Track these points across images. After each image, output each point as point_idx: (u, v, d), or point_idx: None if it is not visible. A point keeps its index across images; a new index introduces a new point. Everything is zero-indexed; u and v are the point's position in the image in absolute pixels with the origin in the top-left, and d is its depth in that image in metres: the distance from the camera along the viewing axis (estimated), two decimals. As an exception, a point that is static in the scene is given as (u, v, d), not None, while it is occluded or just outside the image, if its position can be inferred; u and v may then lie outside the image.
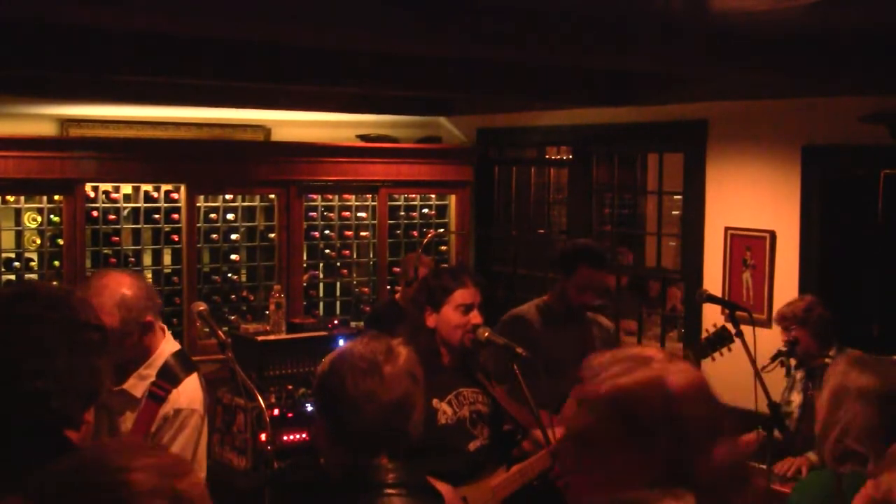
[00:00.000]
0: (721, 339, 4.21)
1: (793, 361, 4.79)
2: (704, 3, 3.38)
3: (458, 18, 3.37)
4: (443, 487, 2.43)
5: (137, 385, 3.09)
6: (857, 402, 2.55)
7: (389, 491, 2.14)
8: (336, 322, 6.31)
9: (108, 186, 6.44)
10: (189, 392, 3.10)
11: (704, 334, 4.32)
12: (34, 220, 6.27)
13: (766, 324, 5.10)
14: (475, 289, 3.50)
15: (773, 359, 4.62)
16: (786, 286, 5.42)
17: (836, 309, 4.67)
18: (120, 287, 3.01)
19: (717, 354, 4.23)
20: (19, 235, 6.24)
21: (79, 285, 4.63)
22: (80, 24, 3.77)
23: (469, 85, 5.33)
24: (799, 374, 4.76)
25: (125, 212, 6.53)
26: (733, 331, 4.16)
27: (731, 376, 4.42)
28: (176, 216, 6.62)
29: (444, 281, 3.51)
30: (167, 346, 3.16)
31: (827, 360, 4.59)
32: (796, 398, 4.72)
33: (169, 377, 3.09)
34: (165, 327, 3.23)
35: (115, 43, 4.12)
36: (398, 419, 2.21)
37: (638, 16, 3.61)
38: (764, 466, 4.14)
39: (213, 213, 6.83)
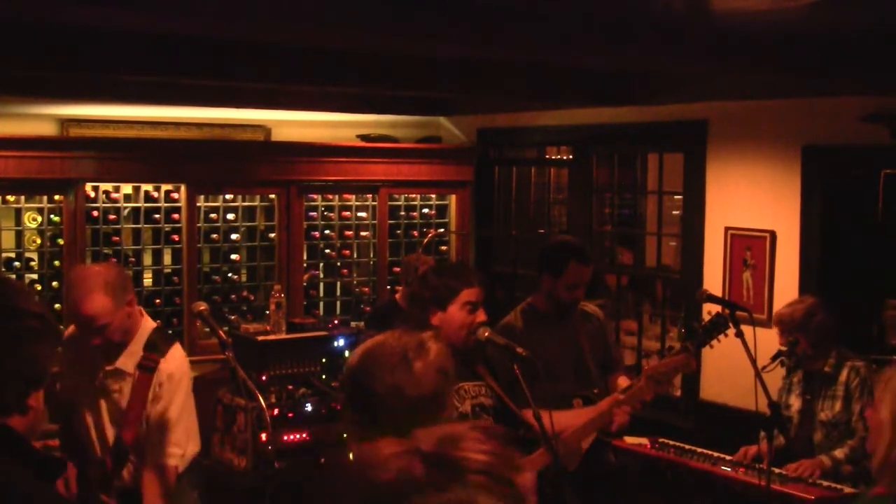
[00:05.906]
0: (716, 327, 4.19)
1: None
2: (705, 3, 3.37)
3: (457, 18, 3.36)
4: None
5: (128, 361, 3.54)
6: None
7: None
8: (336, 322, 6.30)
9: (108, 186, 6.44)
10: (177, 359, 3.59)
11: (701, 322, 4.32)
12: (34, 219, 6.27)
13: (766, 324, 5.09)
14: (479, 287, 3.51)
15: (774, 359, 4.61)
16: (786, 286, 5.42)
17: (836, 309, 4.66)
18: (100, 273, 3.45)
19: (714, 342, 4.22)
20: (19, 235, 6.24)
21: (63, 283, 5.23)
22: (80, 24, 3.77)
23: (469, 85, 5.33)
24: (796, 378, 4.72)
25: (125, 212, 6.52)
26: (729, 318, 4.13)
27: (731, 376, 4.44)
28: (176, 216, 6.62)
29: (450, 280, 3.50)
30: (147, 323, 3.64)
31: (827, 368, 4.58)
32: (795, 402, 4.69)
33: (155, 349, 3.55)
34: (142, 308, 3.70)
35: (115, 43, 4.12)
36: (426, 417, 2.11)
37: (638, 16, 3.61)
38: (764, 467, 4.14)
39: (213, 213, 6.83)
